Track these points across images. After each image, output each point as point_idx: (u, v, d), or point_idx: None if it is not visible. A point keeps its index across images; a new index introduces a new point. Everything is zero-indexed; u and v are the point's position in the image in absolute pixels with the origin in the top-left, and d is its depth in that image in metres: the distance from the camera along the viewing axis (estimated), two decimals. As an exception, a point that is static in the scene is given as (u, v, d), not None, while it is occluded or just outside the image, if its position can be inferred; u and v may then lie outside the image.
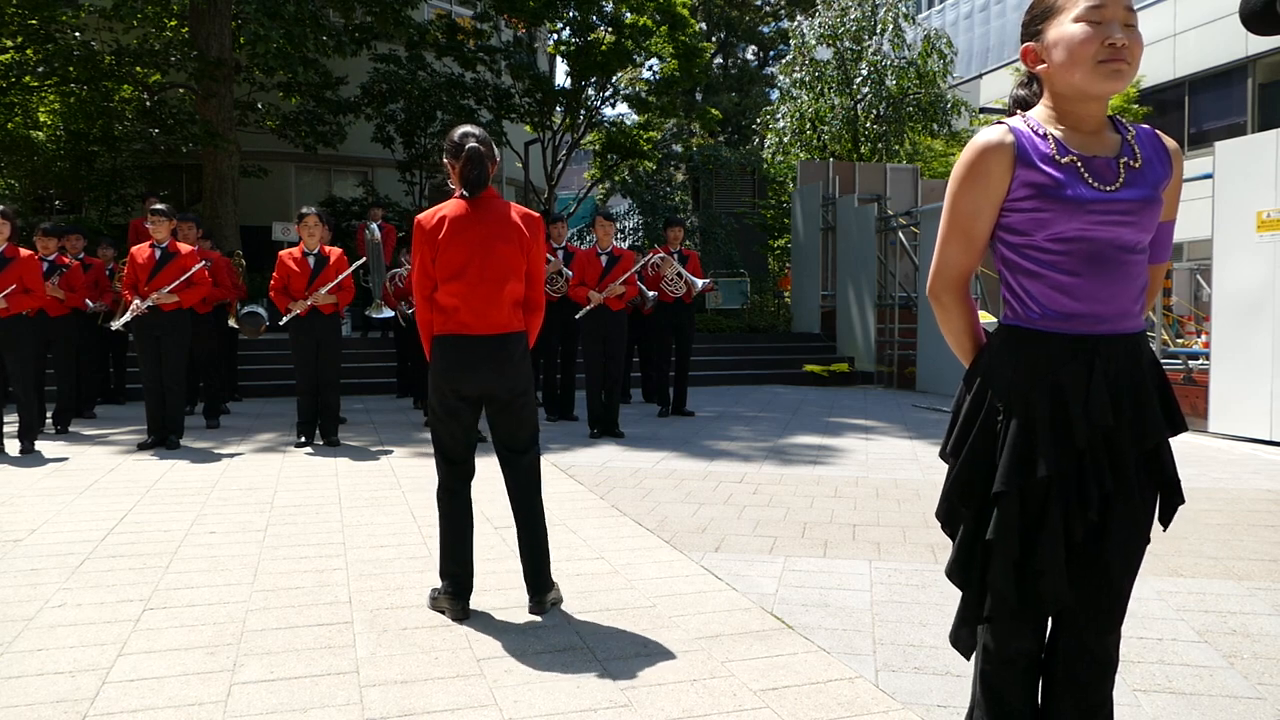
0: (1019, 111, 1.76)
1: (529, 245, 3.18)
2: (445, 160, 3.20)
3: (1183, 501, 1.74)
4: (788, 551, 3.94)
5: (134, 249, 6.79)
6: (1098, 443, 1.64)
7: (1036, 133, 1.66)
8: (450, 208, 3.14)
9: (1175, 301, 14.00)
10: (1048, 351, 1.66)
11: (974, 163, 1.66)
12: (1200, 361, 9.29)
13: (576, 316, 7.43)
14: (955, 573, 1.76)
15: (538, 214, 3.27)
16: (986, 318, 7.34)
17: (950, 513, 1.78)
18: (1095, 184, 1.62)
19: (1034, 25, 1.70)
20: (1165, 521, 1.75)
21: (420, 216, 3.16)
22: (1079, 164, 1.63)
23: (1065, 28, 1.62)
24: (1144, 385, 1.67)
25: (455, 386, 3.10)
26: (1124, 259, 1.65)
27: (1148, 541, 1.72)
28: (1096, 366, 1.64)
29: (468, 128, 3.20)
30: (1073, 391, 1.64)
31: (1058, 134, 1.66)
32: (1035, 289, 1.67)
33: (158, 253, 6.68)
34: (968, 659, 1.85)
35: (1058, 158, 1.63)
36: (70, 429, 7.52)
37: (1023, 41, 1.74)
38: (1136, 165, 1.66)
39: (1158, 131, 1.75)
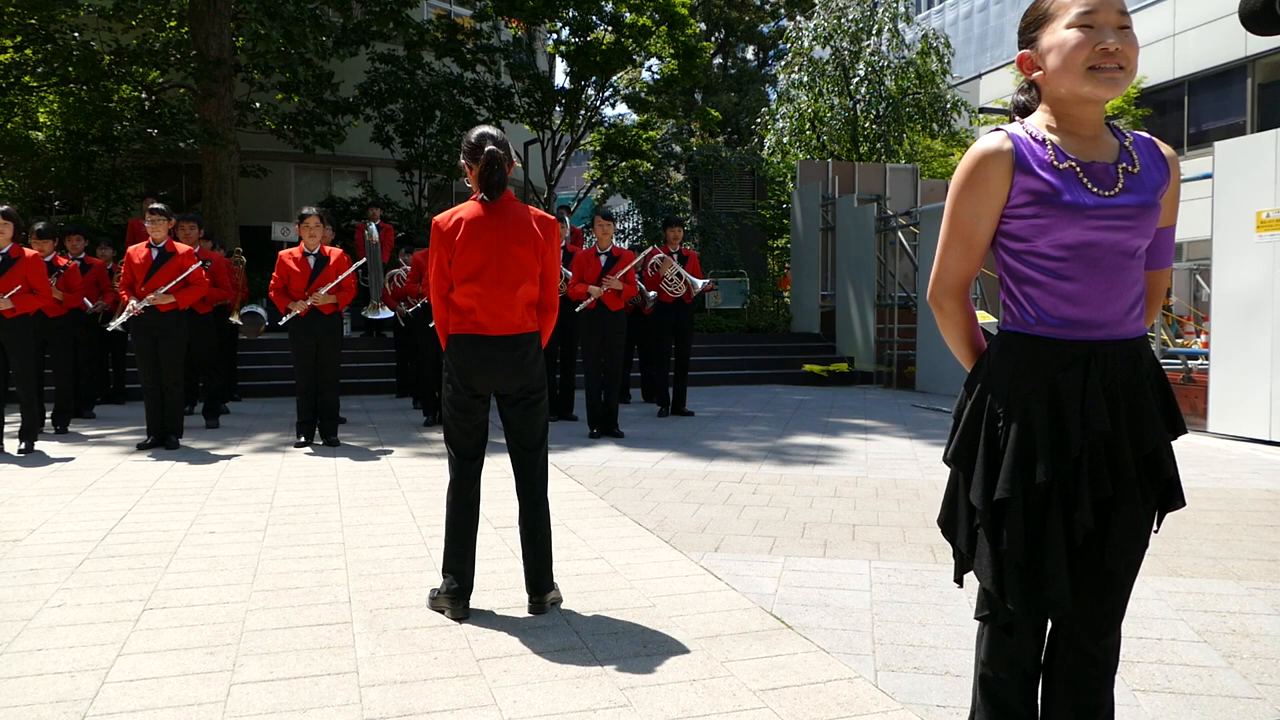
0: (1018, 118, 1.76)
1: (544, 248, 3.21)
2: (462, 162, 3.23)
3: (1183, 504, 1.74)
4: (787, 551, 3.95)
5: (131, 249, 6.78)
6: (1097, 448, 1.64)
7: (1035, 139, 1.66)
8: (467, 210, 3.17)
9: (1175, 301, 14.01)
10: (1045, 357, 1.66)
11: (973, 170, 1.67)
12: (1200, 361, 9.29)
13: (576, 310, 7.44)
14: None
15: (553, 217, 3.29)
16: (986, 318, 7.34)
17: (949, 518, 1.78)
18: (1094, 189, 1.62)
19: (1029, 32, 1.71)
20: (1157, 524, 1.75)
21: (438, 218, 3.19)
22: (1077, 169, 1.63)
23: (1058, 34, 1.63)
24: (1142, 389, 1.67)
25: (469, 384, 3.15)
26: (1123, 264, 1.65)
27: (1147, 544, 1.72)
28: (1093, 372, 1.64)
29: (485, 129, 3.22)
30: (1069, 397, 1.64)
31: (1056, 140, 1.66)
32: (1037, 295, 1.67)
33: (154, 253, 6.67)
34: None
35: (1056, 164, 1.63)
36: (70, 429, 7.52)
37: (1019, 49, 1.75)
38: (1135, 171, 1.66)
39: (1154, 139, 1.76)
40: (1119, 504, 1.65)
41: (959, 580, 1.82)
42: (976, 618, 1.77)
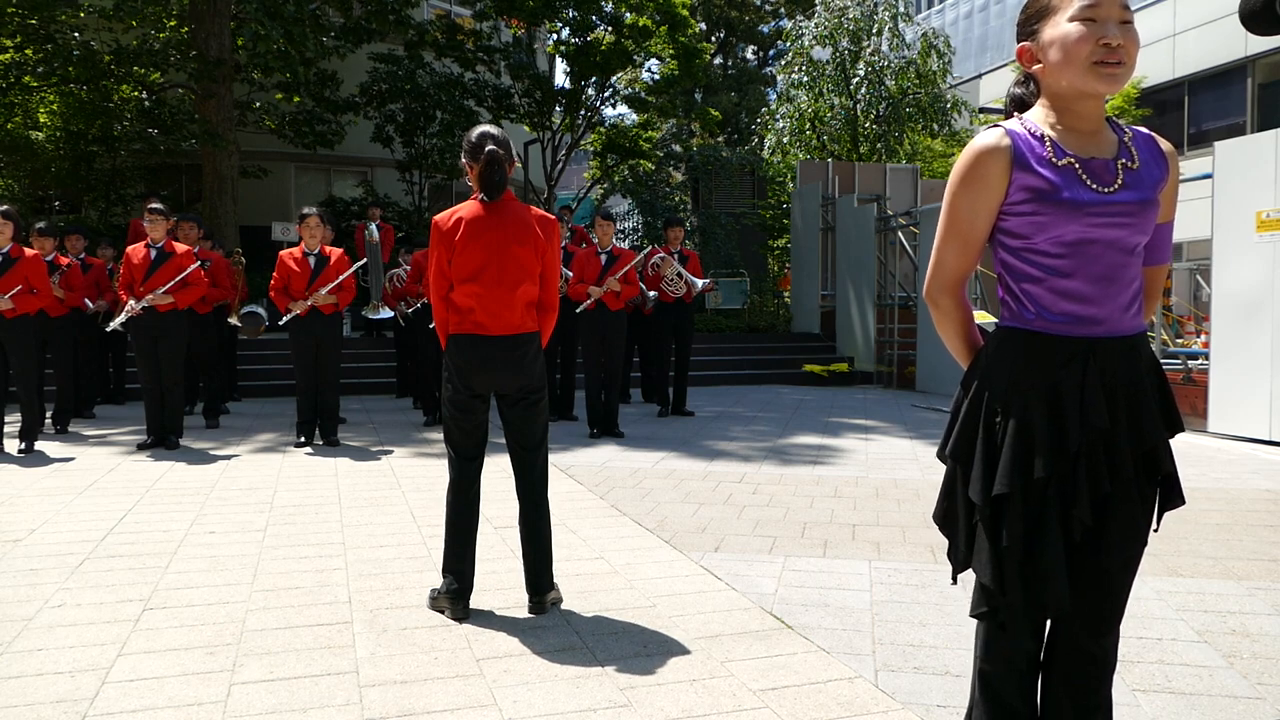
0: (1016, 112, 1.75)
1: (544, 248, 3.21)
2: (463, 161, 3.22)
3: (1182, 502, 1.73)
4: (787, 551, 3.95)
5: (129, 249, 6.78)
6: (1095, 445, 1.63)
7: (1033, 135, 1.65)
8: (467, 210, 3.16)
9: (1175, 301, 14.01)
10: (1044, 353, 1.65)
11: (971, 166, 1.66)
12: (1200, 361, 9.29)
13: (576, 311, 7.45)
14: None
15: (553, 217, 3.29)
16: (985, 318, 7.35)
17: (947, 514, 1.78)
18: (1094, 186, 1.61)
19: (1029, 25, 1.69)
20: (1157, 522, 1.75)
21: (438, 217, 3.19)
22: (1076, 166, 1.62)
23: (1060, 27, 1.61)
24: (1141, 387, 1.66)
25: (469, 384, 3.15)
26: (1122, 261, 1.64)
27: (1145, 543, 1.72)
28: (1091, 368, 1.63)
29: (486, 128, 3.21)
30: (1068, 394, 1.63)
31: (1055, 135, 1.65)
32: (1036, 292, 1.66)
33: (153, 253, 6.66)
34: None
35: (1055, 160, 1.62)
36: (70, 429, 7.52)
37: (1018, 41, 1.73)
38: (1134, 167, 1.65)
39: (1153, 134, 1.75)
40: (1117, 502, 1.65)
41: (955, 579, 1.82)
42: (973, 615, 1.77)
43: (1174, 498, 1.72)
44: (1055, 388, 1.64)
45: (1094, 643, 1.71)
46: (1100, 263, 1.63)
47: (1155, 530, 1.74)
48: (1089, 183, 1.61)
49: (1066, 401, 1.63)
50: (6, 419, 6.67)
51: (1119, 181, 1.63)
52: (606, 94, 17.74)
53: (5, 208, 6.40)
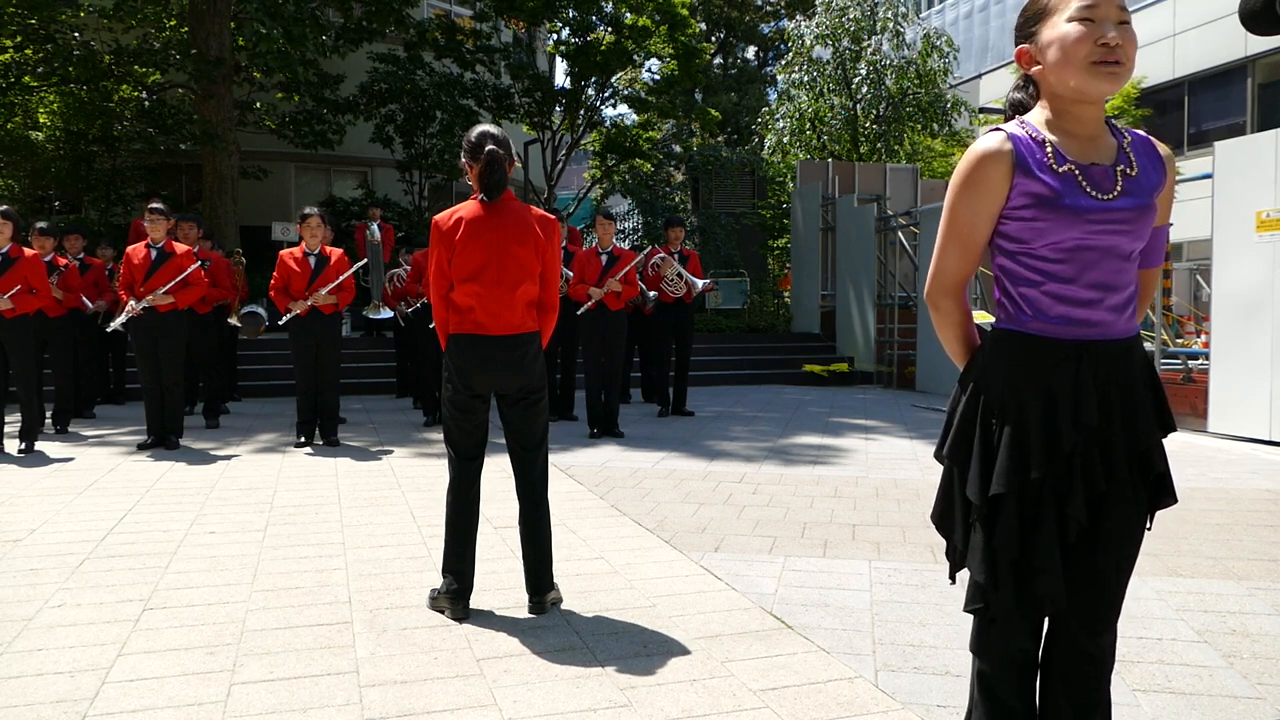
0: (1016, 116, 1.76)
1: (544, 248, 3.20)
2: (463, 161, 3.22)
3: (1174, 501, 1.74)
4: (787, 551, 3.95)
5: (129, 249, 6.77)
6: (1090, 445, 1.64)
7: (1034, 139, 1.66)
8: (467, 209, 3.16)
9: (1175, 301, 14.01)
10: (1039, 355, 1.66)
11: (972, 171, 1.66)
12: (1200, 361, 9.29)
13: (577, 313, 7.45)
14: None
15: (553, 216, 3.29)
16: (985, 317, 7.34)
17: (944, 515, 1.79)
18: (1093, 193, 1.62)
19: (1028, 27, 1.70)
20: (1150, 521, 1.75)
21: (438, 217, 3.19)
22: (1077, 172, 1.63)
23: (1059, 28, 1.62)
24: (1135, 387, 1.68)
25: (469, 384, 3.15)
26: (1119, 266, 1.66)
27: (1140, 542, 1.73)
28: (1084, 369, 1.64)
29: (486, 128, 3.20)
30: (1061, 394, 1.64)
31: (1055, 140, 1.66)
32: (1033, 295, 1.67)
33: (153, 253, 6.66)
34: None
35: (1055, 166, 1.63)
36: (70, 429, 7.52)
37: (1017, 44, 1.74)
38: (1133, 173, 1.66)
39: (1151, 138, 1.75)
40: (1112, 501, 1.66)
41: (953, 578, 1.82)
42: (967, 609, 1.78)
43: (1165, 496, 1.72)
44: (1050, 389, 1.65)
45: (1091, 642, 1.72)
46: (1098, 268, 1.64)
47: (1149, 529, 1.75)
48: (1089, 190, 1.62)
49: (1060, 402, 1.64)
50: (6, 419, 6.67)
51: (1118, 189, 1.64)
52: (606, 94, 17.74)
53: (5, 208, 6.40)
